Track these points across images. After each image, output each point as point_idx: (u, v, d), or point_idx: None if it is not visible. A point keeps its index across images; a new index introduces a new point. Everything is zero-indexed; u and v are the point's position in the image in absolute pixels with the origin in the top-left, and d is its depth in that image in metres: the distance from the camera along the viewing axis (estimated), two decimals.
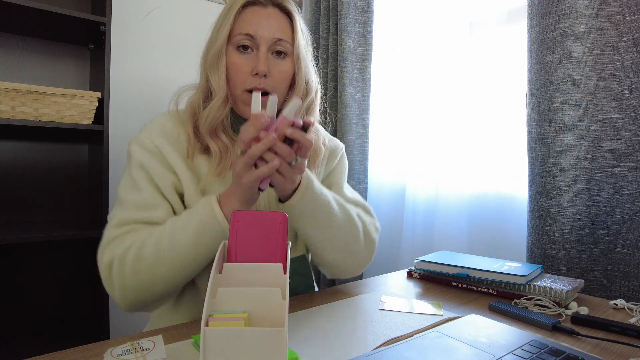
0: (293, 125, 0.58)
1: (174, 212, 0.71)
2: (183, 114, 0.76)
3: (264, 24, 0.71)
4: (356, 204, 0.84)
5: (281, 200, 0.68)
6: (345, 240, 0.74)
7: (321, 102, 0.83)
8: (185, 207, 0.72)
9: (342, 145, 0.92)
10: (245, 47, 0.72)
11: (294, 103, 0.60)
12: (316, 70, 0.81)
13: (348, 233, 0.74)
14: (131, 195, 0.70)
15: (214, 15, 0.78)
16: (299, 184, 0.66)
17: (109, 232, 0.68)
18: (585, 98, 0.92)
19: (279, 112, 0.65)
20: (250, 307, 0.49)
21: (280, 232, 0.57)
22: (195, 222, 0.63)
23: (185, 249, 0.62)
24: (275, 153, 0.58)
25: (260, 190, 0.62)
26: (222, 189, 0.72)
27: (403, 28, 1.53)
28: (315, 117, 0.81)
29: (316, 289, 0.89)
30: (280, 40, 0.72)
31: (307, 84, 0.77)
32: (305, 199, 0.66)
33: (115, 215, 0.69)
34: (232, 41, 0.72)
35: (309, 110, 0.79)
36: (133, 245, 0.64)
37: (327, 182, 0.87)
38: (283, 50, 0.73)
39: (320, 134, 0.86)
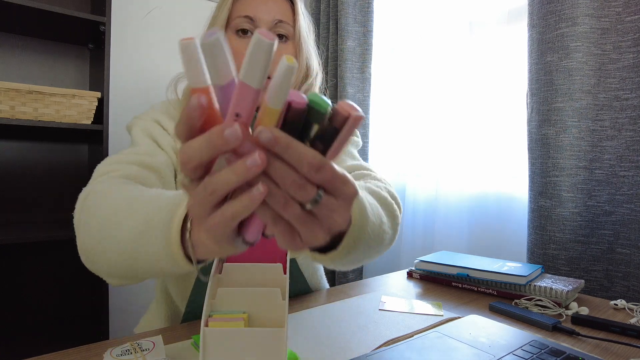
0: (289, 111, 0.27)
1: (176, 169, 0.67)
2: (182, 103, 0.75)
3: (263, 6, 0.69)
4: (363, 169, 0.73)
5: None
6: (389, 244, 0.59)
7: (321, 88, 0.79)
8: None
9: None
10: (244, 32, 0.69)
11: (284, 67, 0.25)
12: (318, 56, 0.78)
13: (394, 236, 0.59)
14: (127, 149, 0.65)
15: None
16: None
17: (102, 166, 0.58)
18: (585, 98, 0.92)
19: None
20: (250, 307, 0.49)
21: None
22: (142, 221, 0.43)
23: (123, 240, 0.44)
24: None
25: (246, 243, 0.34)
26: None
27: (403, 28, 1.53)
28: None
29: (327, 286, 0.88)
30: (280, 22, 0.69)
31: (308, 68, 0.74)
32: (360, 242, 0.45)
33: (111, 156, 0.61)
34: (230, 25, 0.70)
35: (305, 93, 0.74)
36: (104, 191, 0.50)
37: None
38: (284, 33, 0.70)
39: None
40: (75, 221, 0.51)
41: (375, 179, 0.70)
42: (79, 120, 1.23)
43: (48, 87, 1.18)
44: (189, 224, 0.38)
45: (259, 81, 0.26)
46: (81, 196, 0.53)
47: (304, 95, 0.27)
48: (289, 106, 0.27)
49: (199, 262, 0.40)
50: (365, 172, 0.72)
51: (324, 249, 0.46)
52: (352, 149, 0.84)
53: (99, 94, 1.24)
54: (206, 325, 0.45)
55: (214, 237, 0.31)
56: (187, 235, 0.38)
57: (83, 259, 0.51)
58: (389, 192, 0.63)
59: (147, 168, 0.59)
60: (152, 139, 0.68)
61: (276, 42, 0.25)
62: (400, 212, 0.63)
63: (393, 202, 0.60)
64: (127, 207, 0.45)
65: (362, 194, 0.50)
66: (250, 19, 0.68)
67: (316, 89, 0.78)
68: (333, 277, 1.63)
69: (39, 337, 1.34)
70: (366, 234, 0.47)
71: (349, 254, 0.45)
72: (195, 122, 0.27)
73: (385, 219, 0.54)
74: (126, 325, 1.48)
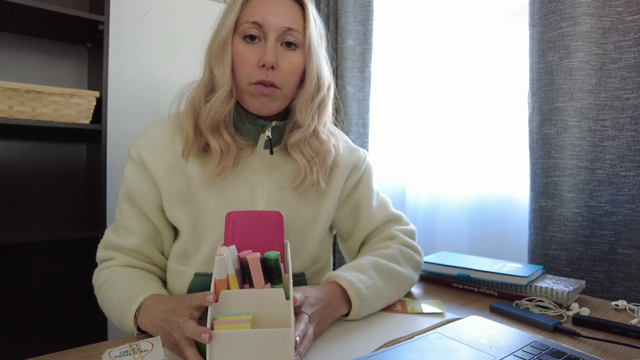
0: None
1: (158, 229, 0.72)
2: (182, 115, 0.72)
3: (272, 12, 0.66)
4: (391, 218, 0.82)
5: None
6: (403, 292, 0.76)
7: (333, 100, 0.77)
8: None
9: (364, 156, 0.84)
10: (252, 37, 0.66)
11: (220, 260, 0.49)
12: (329, 64, 0.75)
13: (405, 288, 0.75)
14: (117, 213, 0.75)
15: (212, 14, 0.76)
16: (347, 293, 0.64)
17: (99, 252, 0.75)
18: (586, 98, 0.92)
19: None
20: (254, 308, 0.48)
21: (276, 231, 0.56)
22: (118, 316, 0.63)
23: (116, 323, 0.65)
24: None
25: None
26: (216, 195, 0.69)
27: (404, 27, 1.53)
28: (328, 115, 0.76)
29: None
30: (290, 29, 0.67)
31: (319, 79, 0.71)
32: (362, 309, 0.65)
33: (106, 233, 0.76)
34: (238, 30, 0.67)
35: (319, 107, 0.73)
36: (102, 287, 0.69)
37: (354, 200, 0.81)
38: (293, 41, 0.67)
39: (336, 137, 0.81)
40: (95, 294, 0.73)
41: (392, 237, 0.80)
42: (77, 119, 1.23)
43: (46, 86, 1.17)
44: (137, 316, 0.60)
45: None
46: (93, 283, 0.73)
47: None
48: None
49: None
50: (391, 229, 0.81)
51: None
52: (373, 184, 0.85)
53: (97, 94, 1.24)
54: (212, 328, 0.45)
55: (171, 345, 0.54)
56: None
57: None
58: (403, 253, 0.77)
59: (126, 250, 0.72)
60: (133, 203, 0.72)
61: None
62: (410, 268, 0.76)
63: (400, 265, 0.74)
64: (110, 306, 0.66)
65: (361, 280, 0.66)
66: (258, 25, 0.66)
67: (329, 102, 0.76)
68: None
69: (38, 337, 1.34)
70: (365, 306, 0.65)
71: (359, 314, 0.65)
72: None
73: (384, 290, 0.69)
74: None
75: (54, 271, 1.42)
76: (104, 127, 1.25)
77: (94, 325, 1.31)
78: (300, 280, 0.75)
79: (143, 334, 0.60)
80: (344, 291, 0.64)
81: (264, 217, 0.57)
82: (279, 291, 0.49)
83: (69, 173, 1.44)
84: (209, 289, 0.72)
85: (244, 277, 0.51)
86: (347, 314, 0.65)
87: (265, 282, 0.51)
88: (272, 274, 0.51)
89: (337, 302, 0.63)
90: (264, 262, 0.51)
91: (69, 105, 1.21)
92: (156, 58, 1.58)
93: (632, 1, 0.88)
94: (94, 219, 1.31)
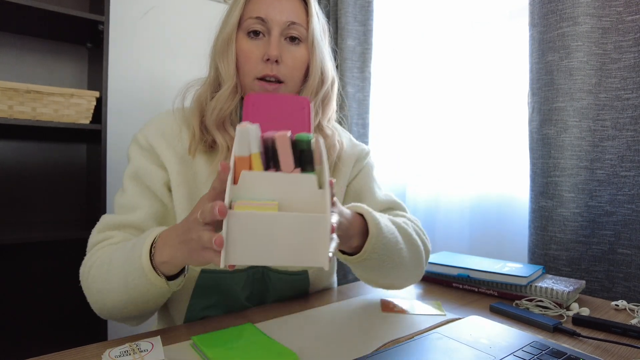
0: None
1: (167, 207, 0.69)
2: (189, 111, 0.73)
3: (276, 7, 0.67)
4: (394, 206, 0.81)
5: (344, 252, 0.62)
6: (412, 268, 0.70)
7: (338, 96, 0.77)
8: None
9: (367, 149, 0.85)
10: (256, 33, 0.67)
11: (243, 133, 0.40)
12: (333, 59, 0.75)
13: (414, 260, 0.70)
14: (118, 196, 0.70)
15: (212, 14, 0.76)
16: (366, 228, 0.60)
17: (93, 236, 0.68)
18: (586, 98, 0.92)
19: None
20: (280, 195, 0.40)
21: (304, 118, 0.48)
22: (123, 267, 0.56)
23: (117, 289, 0.57)
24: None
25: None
26: None
27: (404, 27, 1.53)
28: (332, 109, 0.76)
29: None
30: (293, 23, 0.67)
31: (322, 73, 0.72)
32: (378, 247, 0.60)
33: (102, 219, 0.69)
34: (242, 26, 0.68)
35: (324, 101, 0.73)
36: (95, 263, 0.62)
37: (356, 187, 0.81)
38: (297, 36, 0.68)
39: (340, 133, 0.81)
40: (83, 289, 0.64)
41: (404, 217, 0.77)
42: (77, 119, 1.23)
43: (46, 86, 1.17)
44: (152, 254, 0.53)
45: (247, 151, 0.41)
46: (82, 271, 0.65)
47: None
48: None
49: (170, 278, 0.55)
50: (397, 211, 0.80)
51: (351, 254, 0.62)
52: (375, 176, 0.84)
53: (97, 94, 1.24)
54: (231, 208, 0.38)
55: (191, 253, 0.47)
56: (152, 262, 0.53)
57: (102, 315, 0.63)
58: (415, 229, 0.74)
59: (128, 228, 0.67)
60: (141, 183, 0.69)
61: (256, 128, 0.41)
62: (422, 244, 0.73)
63: (414, 234, 0.71)
64: (109, 267, 0.58)
65: (382, 219, 0.63)
66: (262, 20, 0.67)
67: (334, 96, 0.76)
68: None
69: (38, 337, 1.34)
70: (380, 244, 0.61)
71: (367, 259, 0.61)
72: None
73: (401, 241, 0.66)
74: (125, 326, 1.48)
75: (54, 271, 1.42)
76: (103, 127, 1.25)
77: (94, 325, 1.31)
78: (303, 278, 0.74)
79: (159, 276, 0.54)
80: (364, 226, 0.61)
81: (289, 102, 0.49)
82: (311, 177, 0.40)
83: (69, 173, 1.44)
84: (217, 287, 0.68)
85: (268, 163, 0.41)
86: (354, 254, 0.61)
87: (295, 167, 0.41)
88: (304, 159, 0.41)
89: (355, 231, 0.59)
90: (294, 144, 0.40)
91: (69, 105, 1.21)
92: (156, 58, 1.58)
93: (632, 1, 0.88)
94: (94, 219, 1.30)
